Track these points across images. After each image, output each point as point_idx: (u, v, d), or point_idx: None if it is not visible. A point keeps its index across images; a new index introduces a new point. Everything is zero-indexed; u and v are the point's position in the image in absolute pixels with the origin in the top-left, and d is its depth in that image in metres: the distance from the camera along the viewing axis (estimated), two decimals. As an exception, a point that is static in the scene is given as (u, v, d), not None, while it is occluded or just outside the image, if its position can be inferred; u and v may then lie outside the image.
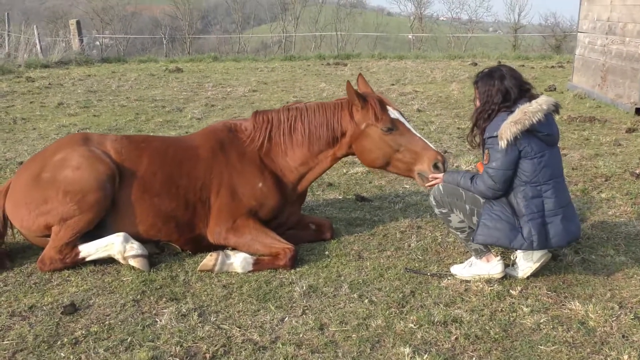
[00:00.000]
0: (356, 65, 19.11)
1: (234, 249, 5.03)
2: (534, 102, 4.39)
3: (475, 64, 19.42)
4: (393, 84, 15.15)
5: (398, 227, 5.80)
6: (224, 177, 5.10)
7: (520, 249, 4.54)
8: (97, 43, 33.76)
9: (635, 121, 10.42)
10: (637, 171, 7.35)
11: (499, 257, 4.71)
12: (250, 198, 5.08)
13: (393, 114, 5.02)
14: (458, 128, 10.15)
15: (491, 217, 4.46)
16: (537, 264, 4.64)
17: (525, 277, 4.68)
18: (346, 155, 5.35)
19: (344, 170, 7.70)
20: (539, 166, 4.40)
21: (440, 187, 4.75)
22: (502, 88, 4.50)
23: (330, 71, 18.24)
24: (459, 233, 4.83)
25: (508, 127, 4.28)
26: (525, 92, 4.54)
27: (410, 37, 44.41)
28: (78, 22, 23.61)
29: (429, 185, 4.91)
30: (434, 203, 4.82)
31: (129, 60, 21.26)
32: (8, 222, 5.03)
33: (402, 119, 5.04)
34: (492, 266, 4.68)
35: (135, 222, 4.95)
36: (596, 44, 12.90)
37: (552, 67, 19.76)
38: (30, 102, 12.50)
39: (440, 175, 4.79)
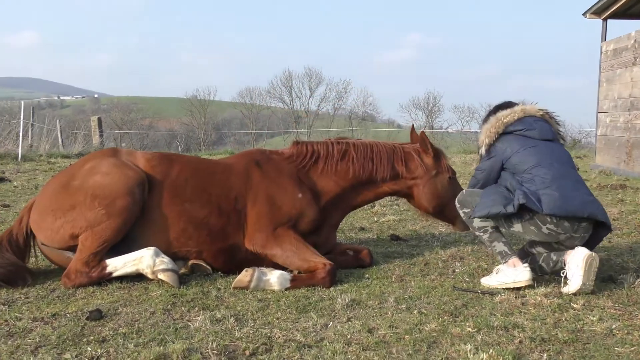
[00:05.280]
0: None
1: (268, 266, 4.73)
2: (508, 109, 4.78)
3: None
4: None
5: (439, 258, 5.47)
6: (260, 188, 4.94)
7: (515, 208, 4.35)
8: (112, 143, 34.36)
9: (668, 189, 10.16)
10: (682, 220, 7.05)
11: (526, 264, 4.47)
12: (290, 207, 4.89)
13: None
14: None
15: (486, 193, 4.59)
16: (585, 266, 4.28)
17: (580, 284, 4.28)
18: (392, 194, 5.37)
19: (375, 219, 7.42)
20: (526, 155, 4.56)
21: (464, 191, 4.86)
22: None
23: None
24: (481, 234, 4.67)
25: (484, 133, 4.76)
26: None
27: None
28: (99, 119, 24.13)
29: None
30: (458, 205, 4.84)
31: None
32: (31, 239, 4.81)
33: None
34: (518, 272, 4.46)
35: (166, 228, 4.72)
36: (619, 121, 12.88)
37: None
38: (52, 175, 12.40)
39: None
